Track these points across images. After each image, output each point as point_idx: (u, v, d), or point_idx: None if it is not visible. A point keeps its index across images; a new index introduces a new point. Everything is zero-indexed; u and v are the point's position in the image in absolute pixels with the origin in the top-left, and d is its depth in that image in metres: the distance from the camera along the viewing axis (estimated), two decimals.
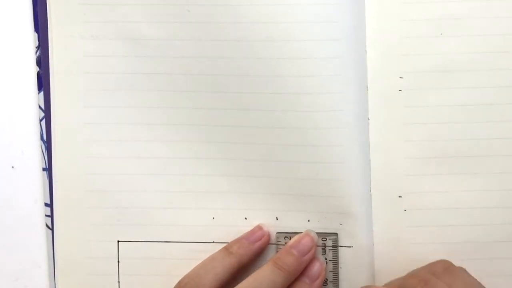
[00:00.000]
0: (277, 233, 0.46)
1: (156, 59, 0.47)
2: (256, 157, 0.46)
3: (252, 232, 0.46)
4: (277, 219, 0.47)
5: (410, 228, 0.46)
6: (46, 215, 0.48)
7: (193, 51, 0.46)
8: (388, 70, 0.45)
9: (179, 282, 0.44)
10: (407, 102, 0.45)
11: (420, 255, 0.45)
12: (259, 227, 0.46)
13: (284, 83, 0.46)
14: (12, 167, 0.48)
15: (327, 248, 0.46)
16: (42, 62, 0.48)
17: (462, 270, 0.43)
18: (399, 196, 0.45)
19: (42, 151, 0.48)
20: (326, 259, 0.46)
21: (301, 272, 0.44)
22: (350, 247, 0.46)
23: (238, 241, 0.46)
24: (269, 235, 0.46)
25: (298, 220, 0.46)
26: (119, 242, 0.48)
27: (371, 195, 0.45)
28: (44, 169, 0.48)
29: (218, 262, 0.44)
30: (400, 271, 0.44)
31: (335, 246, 0.46)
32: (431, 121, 0.45)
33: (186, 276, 0.44)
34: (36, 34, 0.48)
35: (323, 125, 0.46)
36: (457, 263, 0.44)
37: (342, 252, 0.46)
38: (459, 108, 0.45)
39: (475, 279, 0.42)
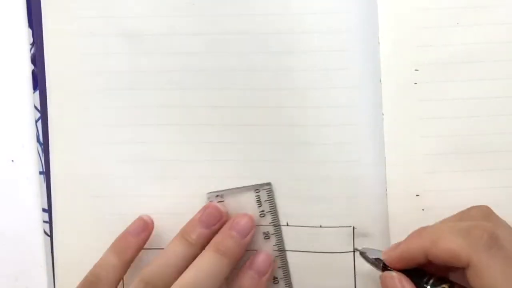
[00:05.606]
0: (208, 193, 0.45)
1: (158, 56, 0.45)
2: (264, 158, 0.45)
3: (210, 215, 0.43)
4: (287, 224, 0.45)
5: None
6: (44, 221, 0.46)
7: (196, 46, 0.45)
8: (402, 62, 0.44)
9: (142, 280, 0.41)
10: (423, 96, 0.44)
11: None
12: (216, 208, 0.44)
13: (293, 77, 0.44)
14: (12, 161, 0.46)
15: (262, 200, 0.44)
16: (37, 60, 0.45)
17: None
18: (417, 195, 0.44)
19: (39, 153, 0.46)
20: (263, 211, 0.44)
21: (248, 265, 0.43)
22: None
23: (195, 228, 0.43)
24: (227, 216, 0.44)
25: (310, 225, 0.44)
26: None
27: (386, 194, 0.44)
28: (41, 173, 0.46)
29: (181, 256, 0.42)
30: None
31: (270, 197, 0.44)
32: (449, 115, 0.44)
33: (150, 273, 0.41)
34: (30, 31, 0.46)
35: (335, 122, 0.44)
36: None
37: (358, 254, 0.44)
38: (478, 101, 0.44)
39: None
